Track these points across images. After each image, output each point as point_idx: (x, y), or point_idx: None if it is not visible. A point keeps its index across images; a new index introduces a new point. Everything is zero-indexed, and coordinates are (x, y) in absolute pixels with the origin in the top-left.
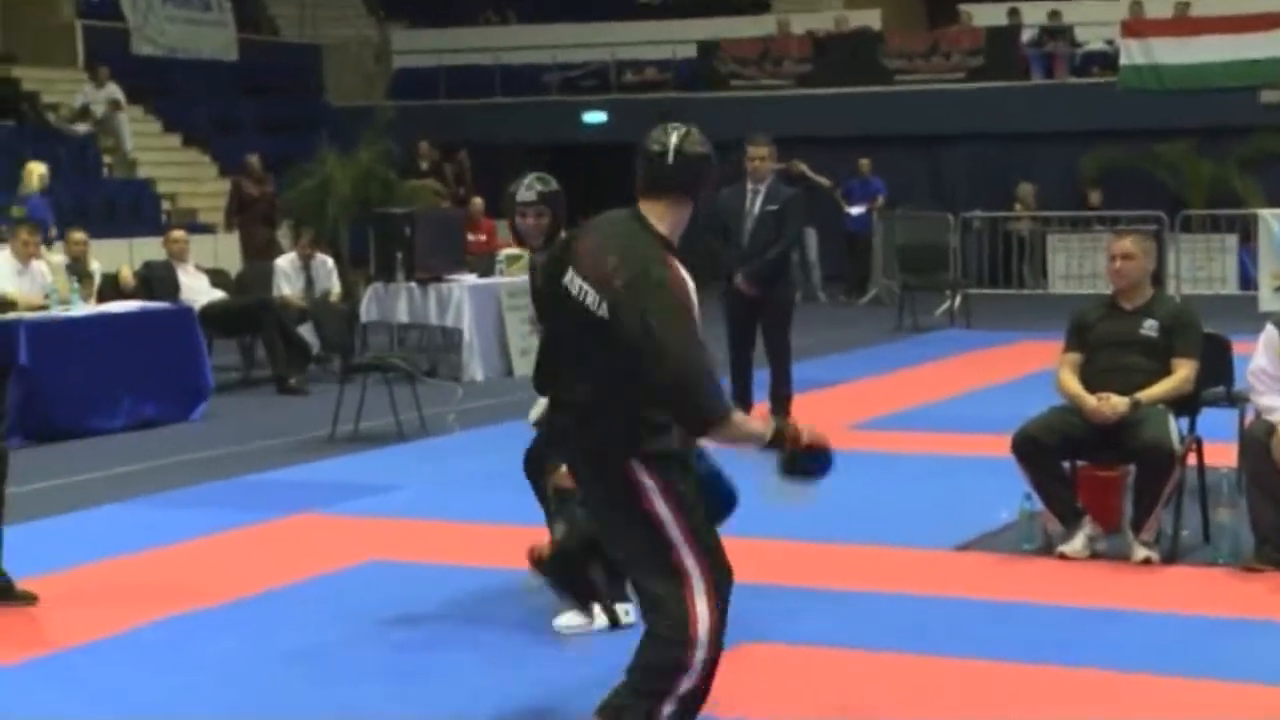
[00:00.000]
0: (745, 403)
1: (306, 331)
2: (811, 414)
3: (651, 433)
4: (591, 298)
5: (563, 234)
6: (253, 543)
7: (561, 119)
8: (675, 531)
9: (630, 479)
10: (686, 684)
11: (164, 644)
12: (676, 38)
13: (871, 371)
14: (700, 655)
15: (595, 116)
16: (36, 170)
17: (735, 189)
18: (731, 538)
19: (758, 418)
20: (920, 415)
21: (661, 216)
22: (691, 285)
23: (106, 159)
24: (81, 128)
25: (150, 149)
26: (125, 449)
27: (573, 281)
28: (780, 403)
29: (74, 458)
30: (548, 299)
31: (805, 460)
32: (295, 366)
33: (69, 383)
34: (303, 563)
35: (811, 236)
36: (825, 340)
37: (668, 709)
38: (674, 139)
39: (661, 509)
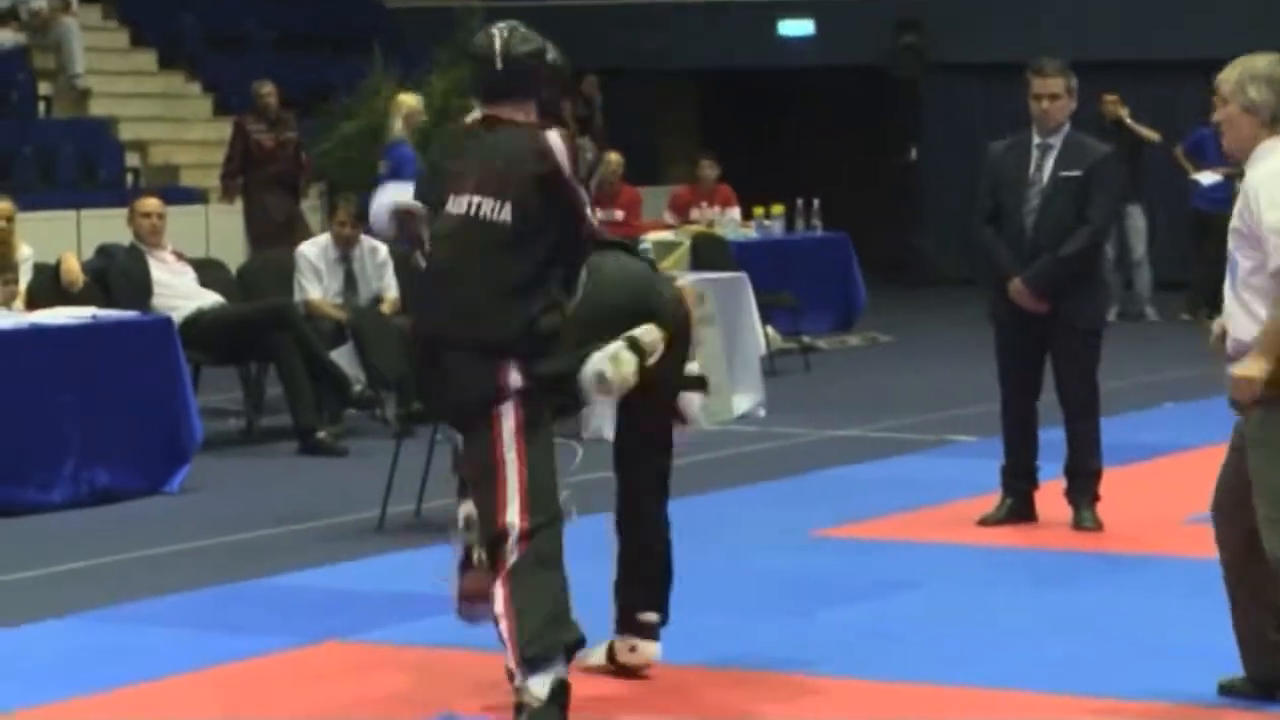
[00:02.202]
0: (1026, 479)
1: (345, 357)
2: (1132, 497)
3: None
4: (489, 207)
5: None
6: (260, 683)
7: (746, 32)
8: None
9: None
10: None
11: None
12: None
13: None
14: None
15: (798, 28)
16: (406, 104)
17: (1013, 144)
18: (1011, 691)
19: None
20: None
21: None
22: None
23: (44, 87)
24: (6, 39)
25: (111, 72)
26: (68, 535)
27: (458, 205)
28: (1083, 480)
29: None
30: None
31: None
32: (327, 411)
33: None
34: (338, 716)
35: (1136, 218)
36: (1156, 383)
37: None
38: (498, 42)
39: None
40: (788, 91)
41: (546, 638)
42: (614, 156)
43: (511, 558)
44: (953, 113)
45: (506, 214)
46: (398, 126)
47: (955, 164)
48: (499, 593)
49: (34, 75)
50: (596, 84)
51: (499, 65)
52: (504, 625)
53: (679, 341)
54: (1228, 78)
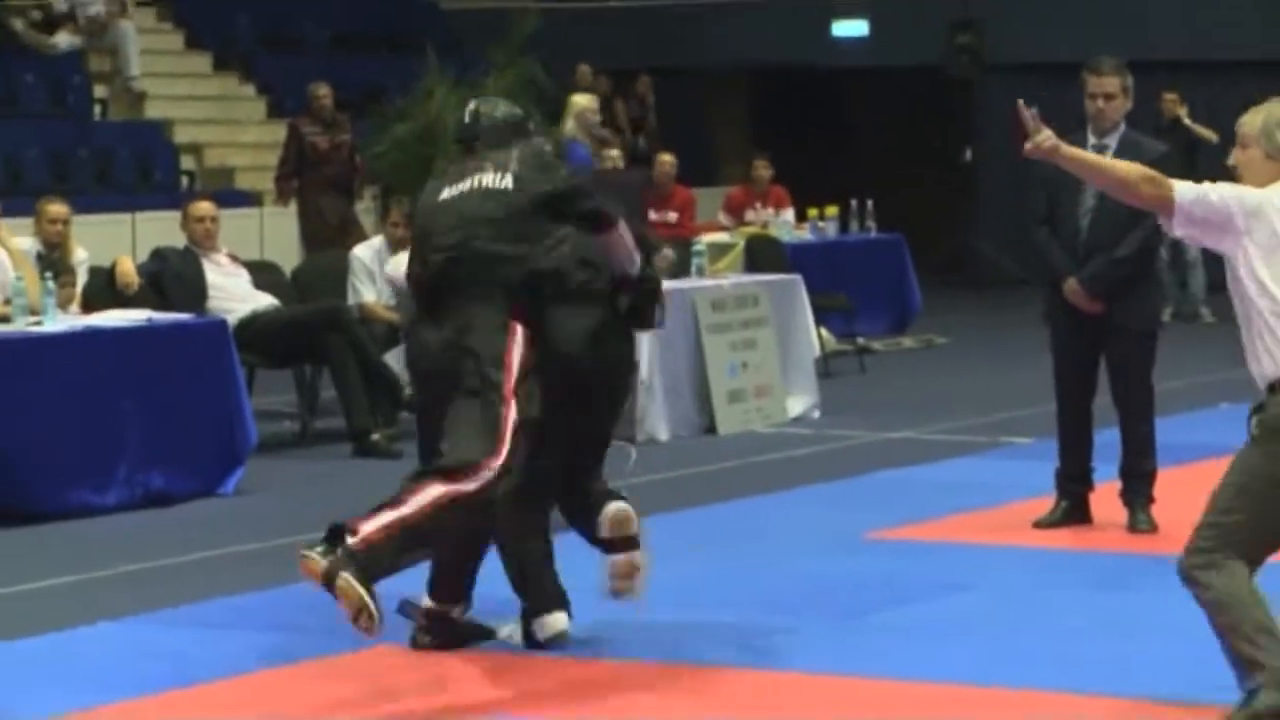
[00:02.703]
0: (1081, 481)
1: (398, 360)
2: (1188, 499)
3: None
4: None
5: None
6: (315, 686)
7: (798, 31)
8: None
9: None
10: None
11: None
12: None
13: None
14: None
15: (852, 28)
16: (578, 104)
17: (1069, 144)
18: (1065, 694)
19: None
20: None
21: None
22: None
23: (100, 90)
24: (63, 41)
25: (166, 75)
26: (122, 538)
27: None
28: (1138, 481)
29: (45, 550)
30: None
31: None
32: (381, 414)
33: (38, 436)
34: None
35: None
36: (1210, 384)
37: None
38: (471, 107)
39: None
40: (842, 92)
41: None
42: (666, 157)
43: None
44: (1008, 113)
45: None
46: (570, 126)
47: (1011, 165)
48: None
49: (90, 78)
50: (649, 84)
51: (481, 123)
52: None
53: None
54: (1251, 122)
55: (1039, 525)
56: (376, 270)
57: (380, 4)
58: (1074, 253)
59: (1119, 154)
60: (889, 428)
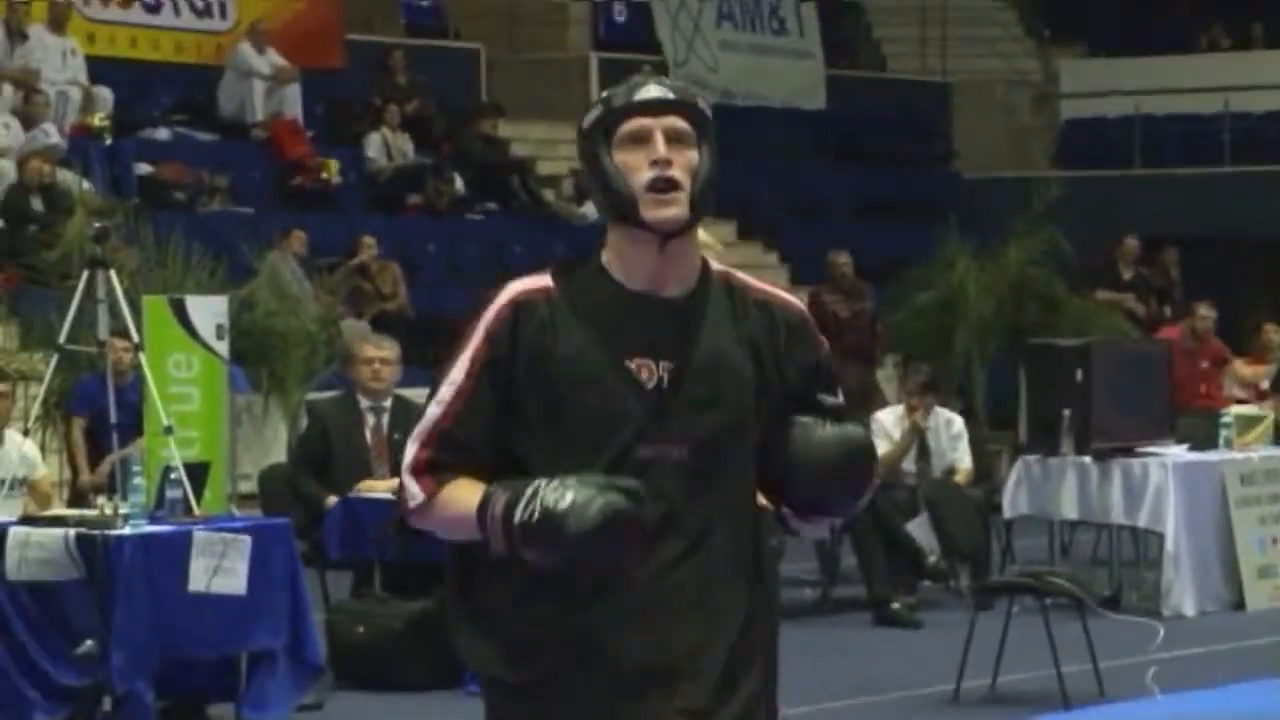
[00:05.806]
0: None
1: (919, 528)
2: None
3: None
4: None
5: None
6: None
7: None
8: None
9: None
10: None
11: None
12: None
13: None
14: None
15: None
16: None
17: None
18: None
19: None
20: None
21: None
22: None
23: None
24: (591, 211)
25: None
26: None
27: None
28: None
29: None
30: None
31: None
32: (901, 582)
33: None
34: None
35: None
36: None
37: None
38: None
39: None
40: None
41: None
42: (1205, 311)
43: None
44: None
45: None
46: None
47: None
48: None
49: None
50: (1175, 256)
51: None
52: None
53: None
54: None
55: None
56: (896, 435)
57: (902, 173)
58: None
59: None
60: None
